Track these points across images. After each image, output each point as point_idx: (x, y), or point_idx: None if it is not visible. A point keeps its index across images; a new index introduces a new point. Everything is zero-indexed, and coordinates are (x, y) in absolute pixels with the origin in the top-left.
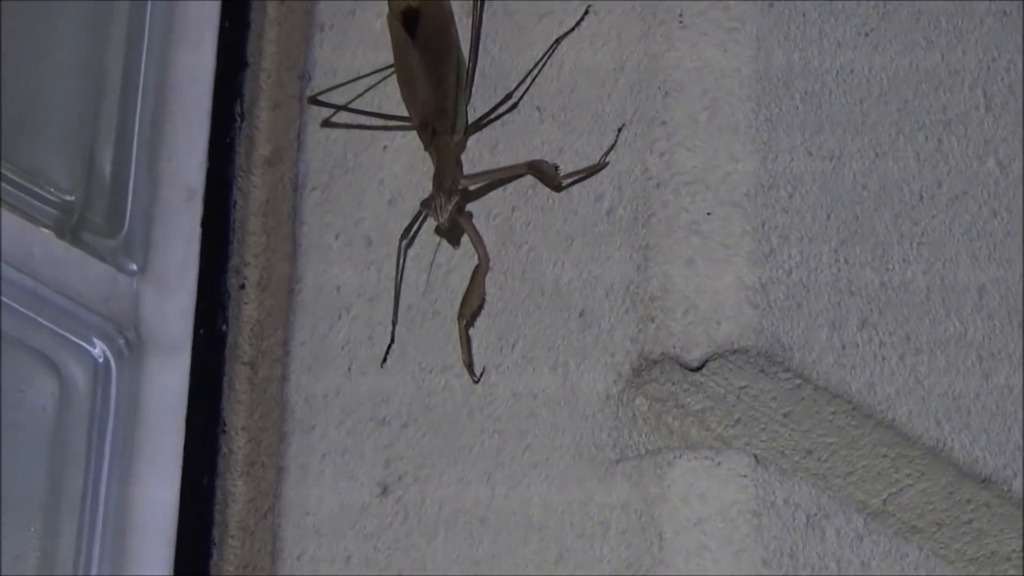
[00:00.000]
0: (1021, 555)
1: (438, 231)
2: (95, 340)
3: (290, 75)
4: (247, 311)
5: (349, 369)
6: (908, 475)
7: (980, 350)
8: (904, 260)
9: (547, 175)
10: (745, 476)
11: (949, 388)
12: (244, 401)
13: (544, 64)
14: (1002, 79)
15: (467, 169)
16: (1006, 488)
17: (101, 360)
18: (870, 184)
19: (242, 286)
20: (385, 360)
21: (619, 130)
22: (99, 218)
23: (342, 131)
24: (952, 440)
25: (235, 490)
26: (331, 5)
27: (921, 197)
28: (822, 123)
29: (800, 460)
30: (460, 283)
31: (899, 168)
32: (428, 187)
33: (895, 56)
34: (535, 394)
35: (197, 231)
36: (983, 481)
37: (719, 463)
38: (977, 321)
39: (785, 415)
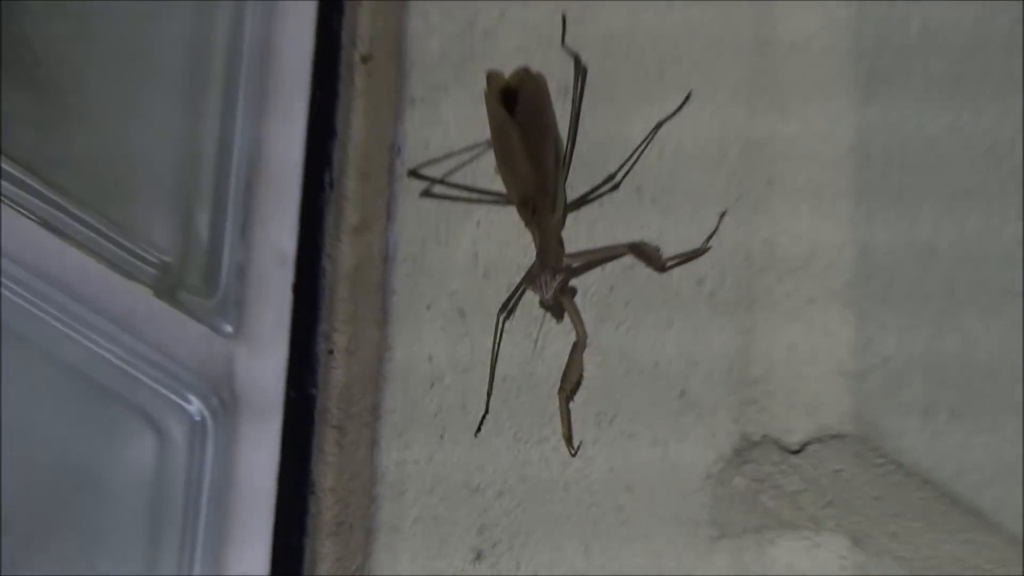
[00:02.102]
0: None
1: (542, 305)
2: (192, 398)
3: (379, 147)
4: (335, 376)
5: (441, 437)
6: (988, 561)
7: None
8: (991, 354)
9: (650, 257)
10: (845, 557)
11: None
12: (332, 463)
13: (645, 146)
14: None
15: (565, 247)
16: None
17: (198, 419)
18: (960, 278)
19: (330, 351)
20: (479, 429)
21: (721, 215)
22: (196, 279)
23: (434, 204)
24: None
25: (323, 550)
26: (423, 79)
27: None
28: (918, 213)
29: (887, 543)
30: (556, 358)
31: (996, 257)
32: (522, 263)
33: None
34: (633, 468)
35: (288, 295)
36: None
37: (819, 544)
38: None
39: (875, 498)
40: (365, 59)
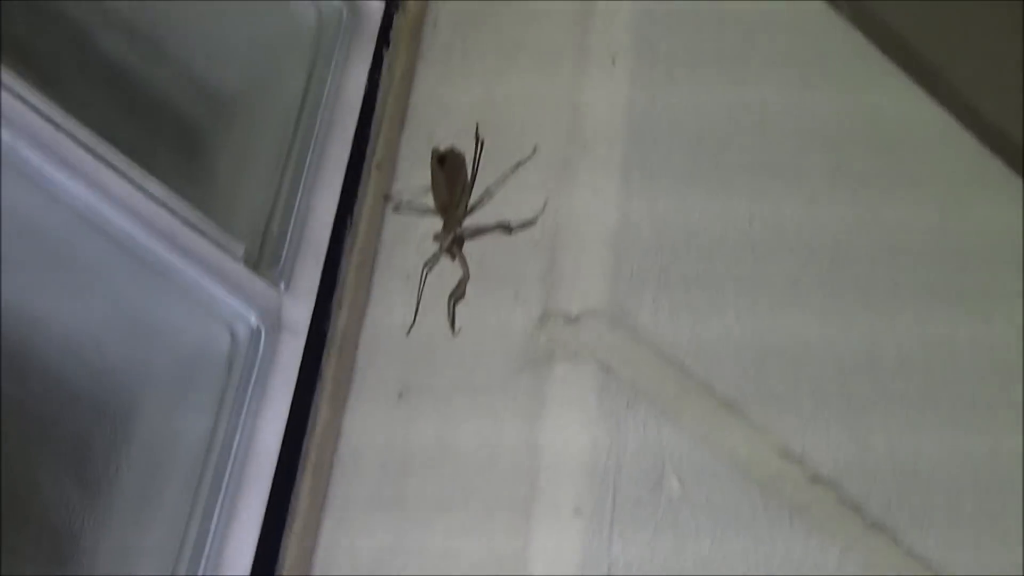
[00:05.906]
0: None
1: (441, 250)
2: (255, 318)
3: (379, 196)
4: (341, 319)
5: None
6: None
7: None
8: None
9: (506, 228)
10: (596, 370)
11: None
12: (331, 364)
13: (505, 180)
14: None
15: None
16: None
17: (255, 328)
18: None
19: (339, 306)
20: (410, 331)
21: (544, 204)
22: (268, 259)
23: (403, 216)
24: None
25: (324, 388)
26: (404, 166)
27: None
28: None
29: (617, 369)
30: (449, 282)
31: None
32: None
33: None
34: (495, 326)
35: (319, 275)
36: None
37: (578, 365)
38: None
39: (611, 345)
40: (379, 165)
